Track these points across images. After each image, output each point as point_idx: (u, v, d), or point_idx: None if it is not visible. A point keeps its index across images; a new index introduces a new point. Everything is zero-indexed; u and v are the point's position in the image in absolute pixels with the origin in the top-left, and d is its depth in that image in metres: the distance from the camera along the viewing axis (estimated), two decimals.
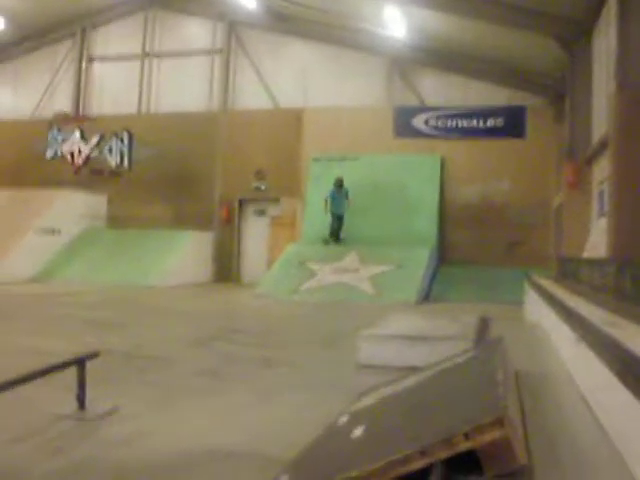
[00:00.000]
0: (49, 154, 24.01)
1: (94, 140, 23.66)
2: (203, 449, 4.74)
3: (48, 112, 24.42)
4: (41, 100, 24.78)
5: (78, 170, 23.58)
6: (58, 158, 23.90)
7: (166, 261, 19.26)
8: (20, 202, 20.73)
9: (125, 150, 23.25)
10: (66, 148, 23.93)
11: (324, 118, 21.28)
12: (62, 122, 24.05)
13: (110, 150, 23.44)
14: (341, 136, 20.99)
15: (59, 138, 24.00)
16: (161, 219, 21.79)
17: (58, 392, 5.78)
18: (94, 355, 5.73)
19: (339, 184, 19.43)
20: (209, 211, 21.95)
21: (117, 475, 4.28)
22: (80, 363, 5.53)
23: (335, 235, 19.40)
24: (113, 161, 23.36)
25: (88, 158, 23.61)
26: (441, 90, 21.04)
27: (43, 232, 19.81)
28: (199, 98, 22.98)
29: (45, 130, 24.08)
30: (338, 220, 19.43)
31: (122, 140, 23.29)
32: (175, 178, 22.26)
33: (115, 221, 22.28)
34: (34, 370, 5.21)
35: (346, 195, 19.51)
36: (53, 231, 20.13)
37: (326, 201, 19.34)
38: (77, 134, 23.80)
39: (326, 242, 19.20)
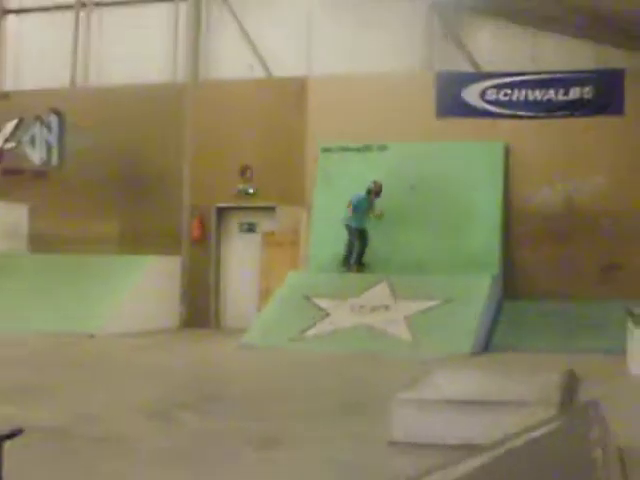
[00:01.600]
0: None
1: (9, 127, 23.66)
2: None
3: None
4: None
5: None
6: None
7: (114, 300, 19.23)
8: None
9: (53, 140, 23.24)
10: None
11: (336, 91, 21.21)
12: None
13: (32, 140, 23.45)
14: (361, 116, 20.87)
15: None
16: (106, 239, 21.74)
17: None
18: (15, 433, 5.71)
19: (377, 191, 19.77)
20: (174, 226, 21.93)
21: None
22: None
23: (357, 259, 19.43)
24: (36, 156, 23.37)
25: (1, 153, 23.62)
26: (502, 48, 21.01)
27: None
28: (158, 65, 22.99)
29: None
30: (360, 237, 19.44)
31: (48, 126, 23.31)
32: (125, 179, 22.20)
33: (40, 242, 22.19)
34: None
35: (371, 206, 19.77)
36: None
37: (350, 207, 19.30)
38: None
39: (345, 268, 19.35)
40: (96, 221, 21.98)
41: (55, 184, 22.88)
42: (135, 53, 22.89)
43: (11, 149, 23.50)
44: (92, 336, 17.39)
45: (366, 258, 19.56)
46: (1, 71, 24.54)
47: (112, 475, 6.91)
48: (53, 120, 23.24)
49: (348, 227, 19.37)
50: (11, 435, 5.60)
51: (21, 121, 23.52)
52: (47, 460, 7.22)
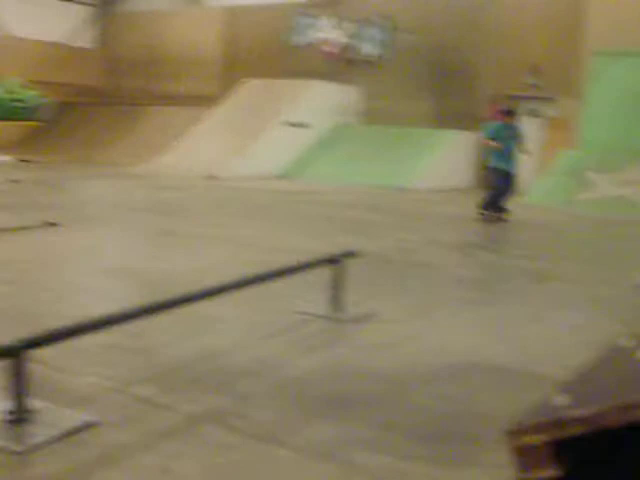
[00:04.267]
0: (299, 41, 24.63)
1: (349, 26, 23.96)
2: (467, 361, 4.95)
3: None
4: None
5: (331, 59, 24.03)
6: (309, 46, 24.47)
7: (424, 163, 19.40)
8: (266, 94, 21.61)
9: (384, 38, 23.36)
10: (318, 35, 24.44)
11: None
12: (312, 6, 24.52)
13: (367, 38, 23.68)
14: None
15: (310, 24, 24.53)
16: (420, 116, 21.83)
17: (311, 292, 6.17)
18: (349, 255, 6.04)
19: (509, 113, 13.41)
20: (474, 109, 21.71)
21: (374, 381, 4.57)
22: (335, 262, 5.86)
23: (495, 205, 13.14)
24: (370, 50, 23.61)
25: (341, 46, 24.00)
26: None
27: (291, 126, 20.57)
28: None
29: (292, 15, 24.66)
30: (503, 180, 13.05)
31: (381, 26, 23.41)
32: (438, 71, 22.13)
33: (369, 117, 22.58)
34: (286, 267, 5.61)
35: (517, 136, 13.32)
36: (302, 125, 20.84)
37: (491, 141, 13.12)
38: (330, 20, 24.22)
39: (484, 216, 13.03)
40: (413, 102, 22.05)
41: (384, 72, 23.06)
42: None
43: (350, 44, 23.78)
44: (405, 190, 17.65)
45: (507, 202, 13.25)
46: None
47: (419, 288, 7.17)
48: (384, 22, 23.25)
49: (492, 167, 13.24)
50: (346, 256, 5.93)
51: (358, 22, 23.69)
52: (373, 269, 7.67)
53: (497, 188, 13.01)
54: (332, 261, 5.85)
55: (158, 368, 4.61)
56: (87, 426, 3.68)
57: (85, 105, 25.66)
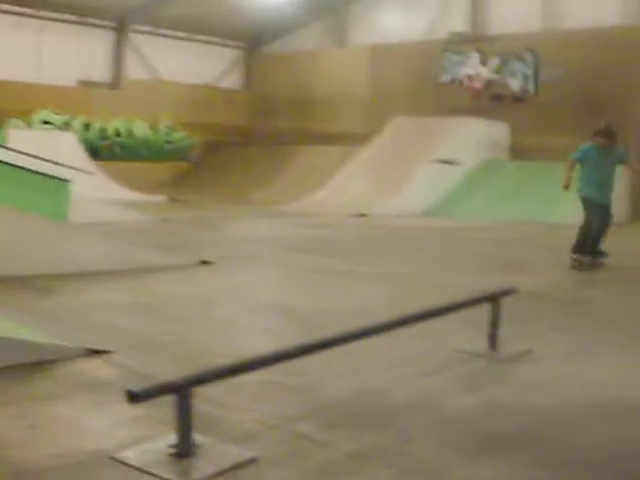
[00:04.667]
0: (445, 78, 24.66)
1: (494, 62, 23.83)
2: (619, 401, 4.77)
3: (441, 32, 24.99)
4: (434, 19, 25.50)
5: (477, 96, 23.94)
6: (454, 83, 24.46)
7: (574, 198, 18.87)
8: (415, 131, 21.58)
9: (529, 72, 23.10)
10: (463, 72, 24.40)
11: None
12: (457, 43, 24.54)
13: (512, 73, 23.45)
14: None
15: (455, 61, 24.55)
16: (568, 150, 21.32)
17: (466, 329, 6.11)
18: (508, 292, 5.94)
19: (608, 135, 10.90)
20: (626, 139, 20.98)
21: (533, 419, 4.51)
22: (493, 300, 5.77)
23: (589, 247, 10.75)
24: (516, 85, 23.37)
25: (487, 82, 23.87)
26: None
27: (442, 163, 20.45)
28: (612, 10, 21.96)
29: (439, 52, 24.72)
30: (599, 214, 10.80)
31: (525, 61, 23.17)
32: (585, 103, 21.61)
33: (517, 152, 22.26)
34: (444, 305, 5.57)
35: (620, 159, 11.24)
36: (452, 163, 20.69)
37: (576, 164, 11.10)
38: (475, 56, 24.15)
39: (576, 259, 10.70)
40: (560, 136, 21.59)
41: (530, 107, 22.75)
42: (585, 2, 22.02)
43: (496, 80, 23.63)
44: (556, 225, 17.16)
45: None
46: (487, 19, 24.68)
47: (573, 327, 6.95)
48: (528, 56, 23.02)
49: (584, 197, 10.94)
50: (504, 294, 5.84)
51: (503, 58, 23.55)
52: (529, 307, 7.44)
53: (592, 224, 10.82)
54: (490, 298, 5.76)
55: (317, 405, 4.66)
56: (248, 462, 3.74)
57: (232, 145, 26.29)
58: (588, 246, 10.64)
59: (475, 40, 24.25)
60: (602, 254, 10.78)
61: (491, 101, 23.49)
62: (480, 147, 21.51)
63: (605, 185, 10.88)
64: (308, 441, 4.05)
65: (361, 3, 27.27)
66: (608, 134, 10.83)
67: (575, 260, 10.64)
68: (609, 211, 10.90)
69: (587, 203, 10.83)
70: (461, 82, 24.26)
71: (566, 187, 10.85)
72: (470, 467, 3.77)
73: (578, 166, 10.97)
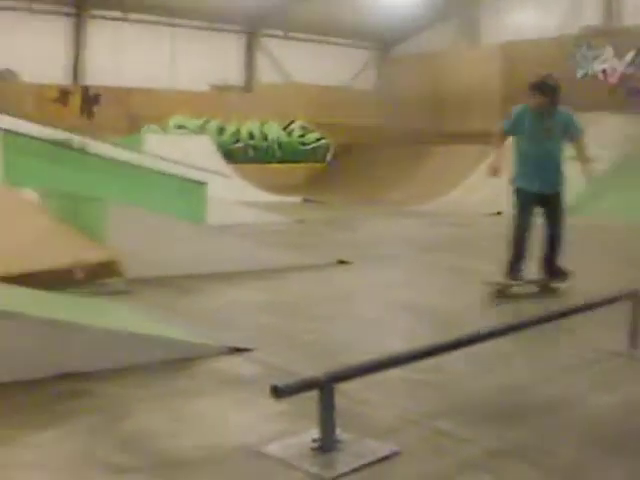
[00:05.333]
0: (580, 73, 24.09)
1: (629, 55, 23.13)
2: None
3: (574, 27, 24.40)
4: (566, 14, 25.04)
5: (612, 90, 23.30)
6: (589, 77, 23.87)
7: None
8: None
9: None
10: (597, 66, 23.81)
11: None
12: (591, 37, 23.93)
13: None
14: None
15: (588, 55, 23.97)
16: None
17: (604, 328, 6.10)
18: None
19: (546, 91, 8.01)
20: None
21: None
22: (636, 298, 5.65)
23: (546, 265, 8.07)
24: None
25: (623, 76, 23.19)
26: None
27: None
28: None
29: (571, 47, 24.09)
30: (548, 214, 8.23)
31: None
32: None
33: None
34: (583, 303, 5.52)
35: (569, 131, 8.09)
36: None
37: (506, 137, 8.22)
38: (609, 49, 23.50)
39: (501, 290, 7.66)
40: None
41: None
42: None
43: (632, 73, 22.91)
44: None
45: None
46: (623, 10, 23.95)
47: None
48: None
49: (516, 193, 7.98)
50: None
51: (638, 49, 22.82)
52: None
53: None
54: (633, 296, 5.63)
55: (457, 402, 4.69)
56: (390, 457, 3.79)
57: (365, 146, 26.35)
58: (519, 264, 7.65)
59: (608, 33, 23.58)
60: (560, 274, 7.88)
61: (627, 96, 22.79)
62: (620, 142, 20.87)
63: (547, 167, 7.96)
64: (448, 437, 4.07)
65: (491, 1, 27.04)
66: (546, 90, 7.88)
67: (499, 285, 7.59)
68: (560, 207, 8.19)
69: (522, 197, 7.82)
70: (595, 77, 23.68)
71: (493, 173, 7.79)
72: (612, 467, 3.72)
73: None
